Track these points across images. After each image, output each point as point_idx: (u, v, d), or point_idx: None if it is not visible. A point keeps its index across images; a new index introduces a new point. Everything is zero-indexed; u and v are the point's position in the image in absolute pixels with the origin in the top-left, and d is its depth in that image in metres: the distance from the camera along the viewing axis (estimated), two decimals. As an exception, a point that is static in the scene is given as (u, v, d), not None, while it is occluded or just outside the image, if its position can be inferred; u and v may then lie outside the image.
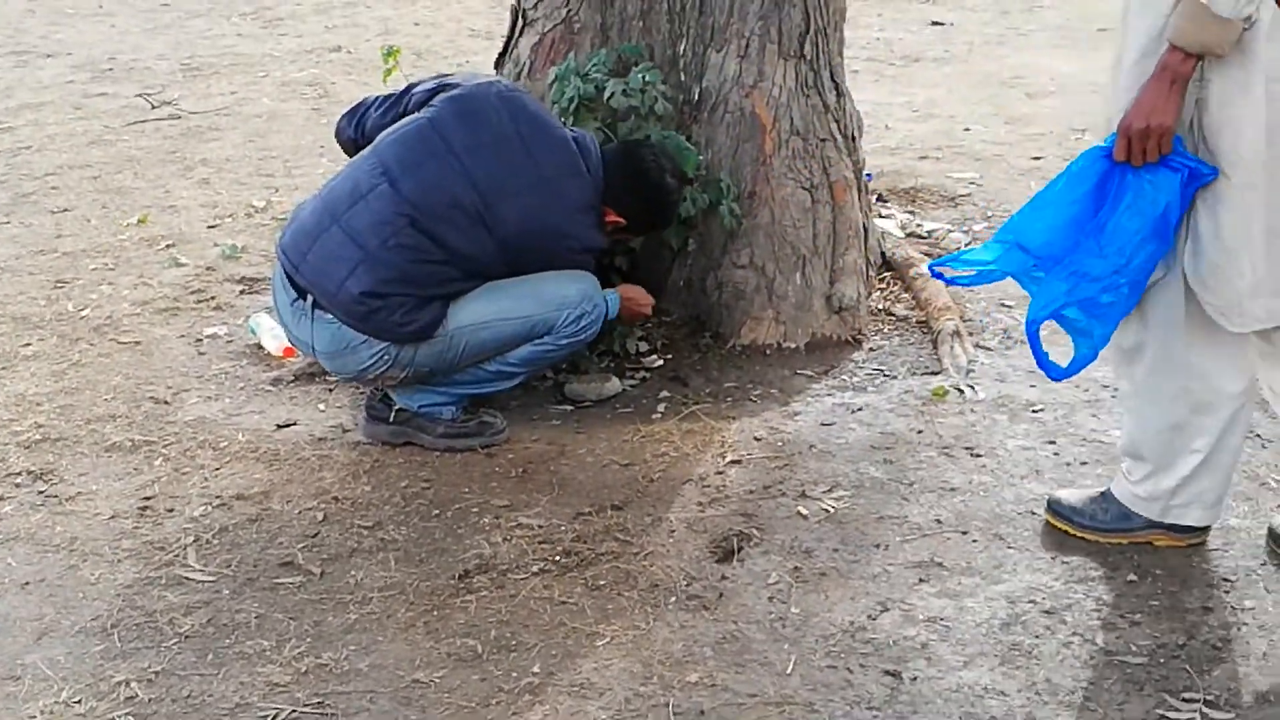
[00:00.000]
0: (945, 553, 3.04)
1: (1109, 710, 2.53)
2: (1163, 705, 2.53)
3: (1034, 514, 3.17)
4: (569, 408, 3.80)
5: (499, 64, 4.37)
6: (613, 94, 3.88)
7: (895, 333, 4.21)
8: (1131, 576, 2.93)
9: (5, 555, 3.10)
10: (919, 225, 5.03)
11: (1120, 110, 2.69)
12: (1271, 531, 3.01)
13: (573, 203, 3.51)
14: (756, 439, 3.57)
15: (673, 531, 3.14)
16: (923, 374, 3.93)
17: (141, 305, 4.54)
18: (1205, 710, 2.51)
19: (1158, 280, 2.77)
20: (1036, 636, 2.74)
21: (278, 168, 6.13)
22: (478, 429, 3.58)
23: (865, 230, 4.34)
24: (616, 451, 3.52)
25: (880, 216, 4.95)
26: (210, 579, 3.00)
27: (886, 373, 3.95)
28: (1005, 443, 3.52)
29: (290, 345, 3.88)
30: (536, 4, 4.18)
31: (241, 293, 4.65)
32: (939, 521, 3.16)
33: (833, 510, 3.22)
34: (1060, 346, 2.87)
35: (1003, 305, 4.37)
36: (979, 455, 3.45)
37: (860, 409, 3.72)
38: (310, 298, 3.43)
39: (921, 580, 2.94)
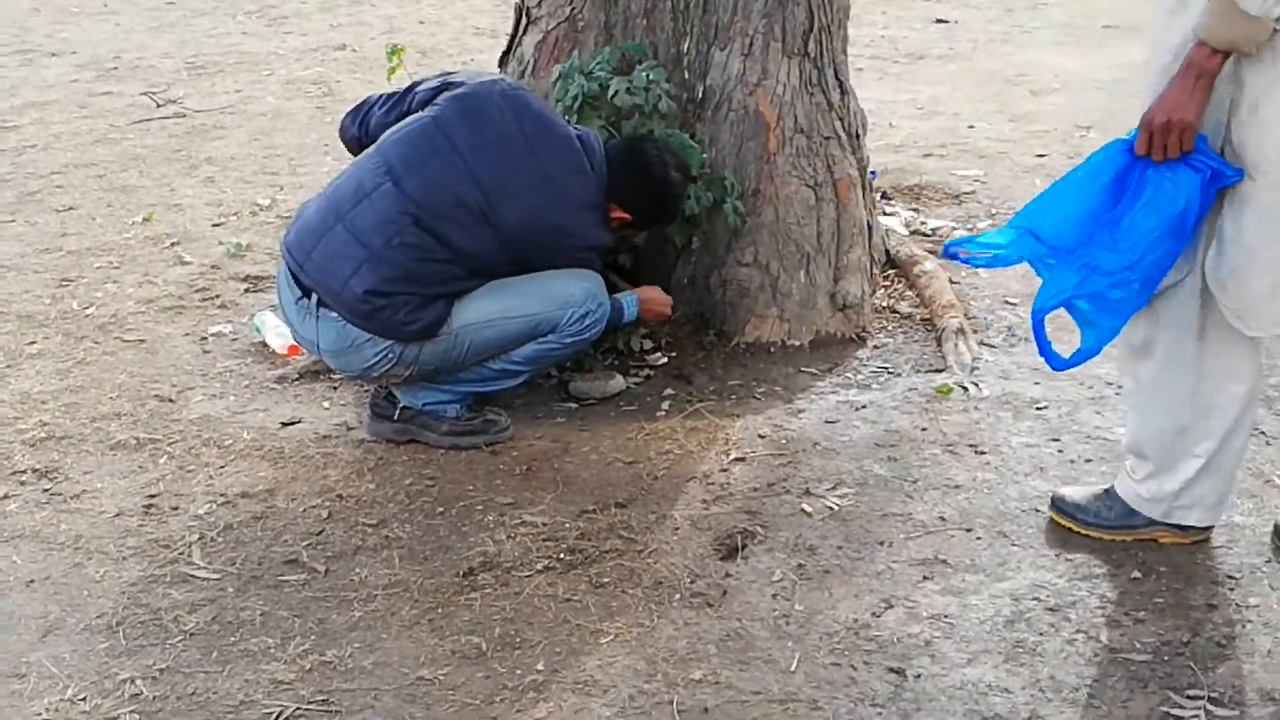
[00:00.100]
0: (949, 550, 3.04)
1: (1113, 707, 2.53)
2: (1167, 702, 2.53)
3: (1038, 511, 3.17)
4: (573, 405, 3.80)
5: (503, 62, 4.37)
6: (616, 92, 3.88)
7: (899, 330, 4.21)
8: (1136, 574, 2.93)
9: (10, 553, 3.11)
10: (923, 223, 5.03)
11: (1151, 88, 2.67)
12: (1276, 529, 3.01)
13: (577, 201, 3.51)
14: (761, 436, 3.57)
15: (677, 529, 3.14)
16: (927, 371, 3.92)
17: (146, 303, 4.54)
18: (1209, 707, 2.51)
19: (1177, 281, 2.76)
20: (1041, 634, 2.74)
21: (282, 166, 6.14)
22: (482, 427, 3.58)
23: (869, 228, 4.34)
24: (621, 449, 3.52)
25: (884, 214, 4.95)
26: (215, 577, 3.00)
27: (891, 370, 3.95)
28: (1009, 440, 3.51)
29: (295, 343, 3.88)
30: (540, 2, 4.18)
31: (246, 291, 4.65)
32: (943, 519, 3.16)
33: (837, 507, 3.22)
34: (1065, 342, 2.87)
35: (1007, 303, 4.37)
36: (983, 452, 3.45)
37: (864, 406, 3.72)
38: (315, 296, 3.43)
39: (925, 577, 2.94)
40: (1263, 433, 3.44)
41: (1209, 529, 3.01)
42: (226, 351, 4.18)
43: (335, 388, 3.90)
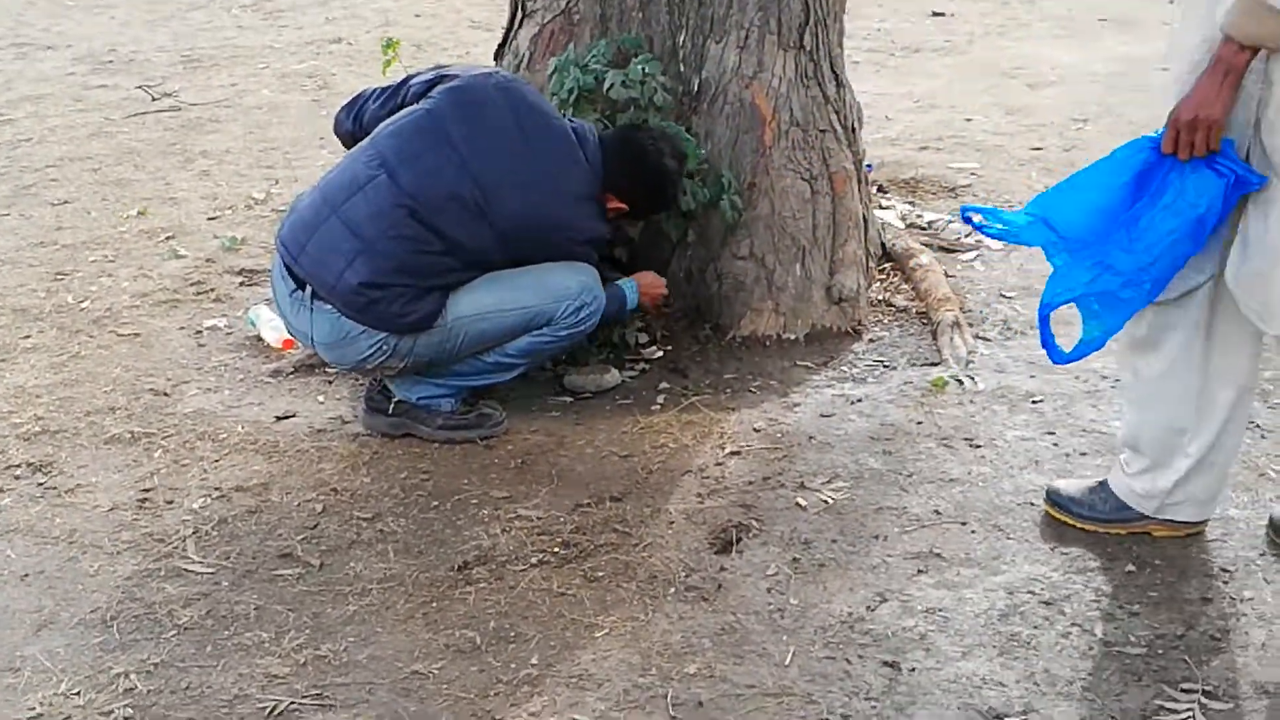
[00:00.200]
0: (944, 544, 3.04)
1: (1107, 701, 2.53)
2: (1161, 696, 2.53)
3: (1033, 505, 3.17)
4: (568, 399, 3.80)
5: (498, 55, 4.36)
6: (612, 85, 3.87)
7: (895, 324, 4.21)
8: (1130, 567, 2.93)
9: (5, 547, 3.10)
10: (919, 216, 5.02)
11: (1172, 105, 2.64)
12: (1271, 522, 3.01)
13: (573, 194, 3.50)
14: (756, 430, 3.57)
15: (671, 523, 3.14)
16: (922, 365, 3.92)
17: (141, 297, 4.54)
18: (1204, 701, 2.51)
19: (1198, 285, 2.73)
20: (1035, 627, 2.74)
21: (278, 159, 6.13)
22: (476, 421, 3.58)
23: (865, 221, 4.34)
24: (615, 443, 3.52)
25: (880, 207, 4.94)
26: (209, 571, 3.00)
27: (886, 364, 3.95)
28: (1004, 434, 3.51)
29: (290, 337, 3.88)
30: (536, -5, 4.18)
31: (241, 285, 4.65)
32: (938, 512, 3.16)
33: (832, 501, 3.22)
34: (1064, 335, 2.86)
35: (1003, 296, 4.36)
36: (978, 446, 3.45)
37: (860, 400, 3.72)
38: (309, 288, 3.43)
39: (920, 571, 2.94)
40: (1257, 425, 3.44)
41: (1203, 523, 3.02)
42: (221, 345, 4.17)
43: (330, 382, 3.89)
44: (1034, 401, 3.67)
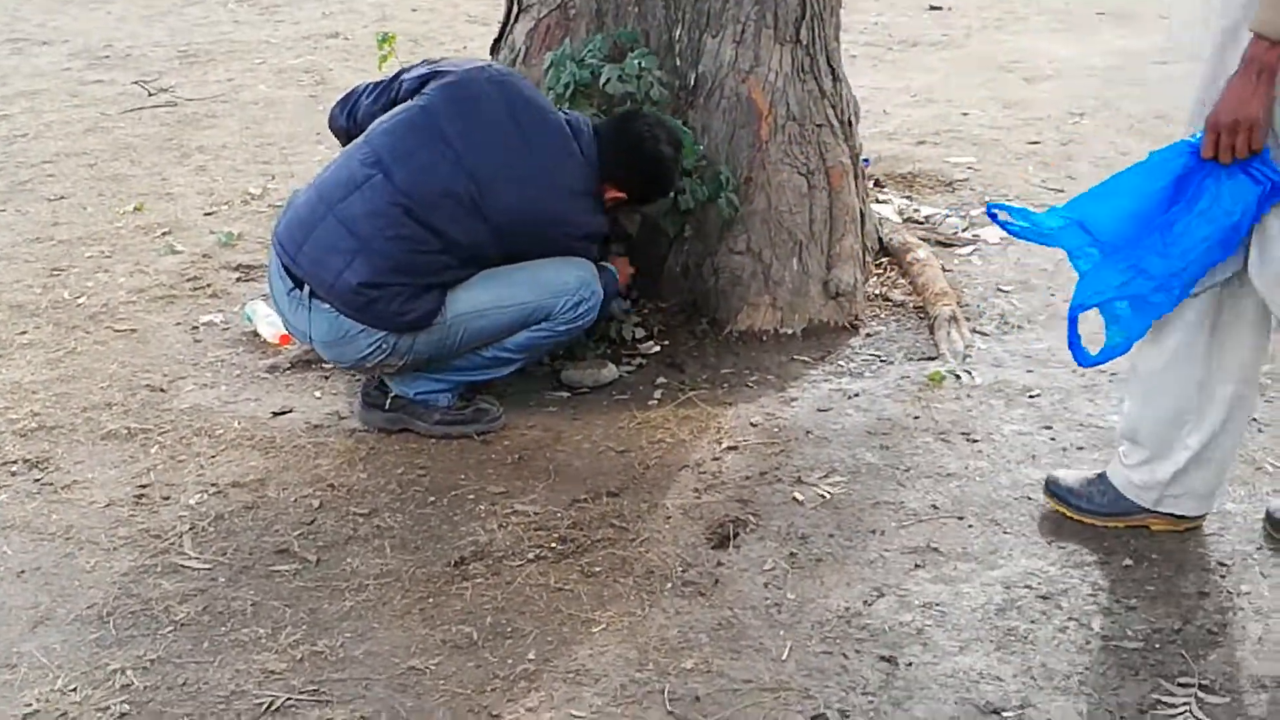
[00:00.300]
0: (941, 538, 3.04)
1: (1104, 695, 2.53)
2: (1158, 690, 2.53)
3: (1030, 499, 3.17)
4: (565, 394, 3.79)
5: (494, 50, 4.36)
6: (608, 80, 3.87)
7: (892, 318, 4.21)
8: (1127, 561, 2.93)
9: (1, 544, 3.10)
10: (916, 210, 5.02)
11: (1200, 102, 2.63)
12: (1268, 516, 3.01)
13: (569, 188, 3.49)
14: (753, 425, 3.57)
15: (669, 518, 3.14)
16: (919, 359, 3.92)
17: (137, 293, 4.53)
18: (1200, 695, 2.51)
19: (1218, 283, 2.72)
20: (1032, 621, 2.74)
21: (274, 155, 6.12)
22: (474, 416, 3.58)
23: (862, 215, 4.33)
24: (613, 438, 3.52)
25: (877, 201, 4.94)
26: (206, 567, 3.00)
27: (883, 358, 3.95)
28: (1001, 428, 3.51)
29: (286, 332, 3.87)
30: (531, -11, 4.17)
31: (238, 280, 4.64)
32: (935, 507, 3.16)
33: (829, 496, 3.22)
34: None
35: (1000, 291, 4.36)
36: (975, 440, 3.45)
37: (857, 394, 3.71)
38: (307, 287, 3.42)
39: (917, 566, 2.94)
40: (1254, 420, 3.43)
41: (1201, 518, 3.02)
42: (218, 341, 4.17)
43: (327, 377, 3.89)
44: (1031, 396, 3.67)
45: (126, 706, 2.55)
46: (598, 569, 2.94)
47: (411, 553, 3.03)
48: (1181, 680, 2.55)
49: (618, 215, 3.78)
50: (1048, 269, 4.45)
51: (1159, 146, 2.72)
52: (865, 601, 2.82)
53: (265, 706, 2.54)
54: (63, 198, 5.53)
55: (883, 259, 4.55)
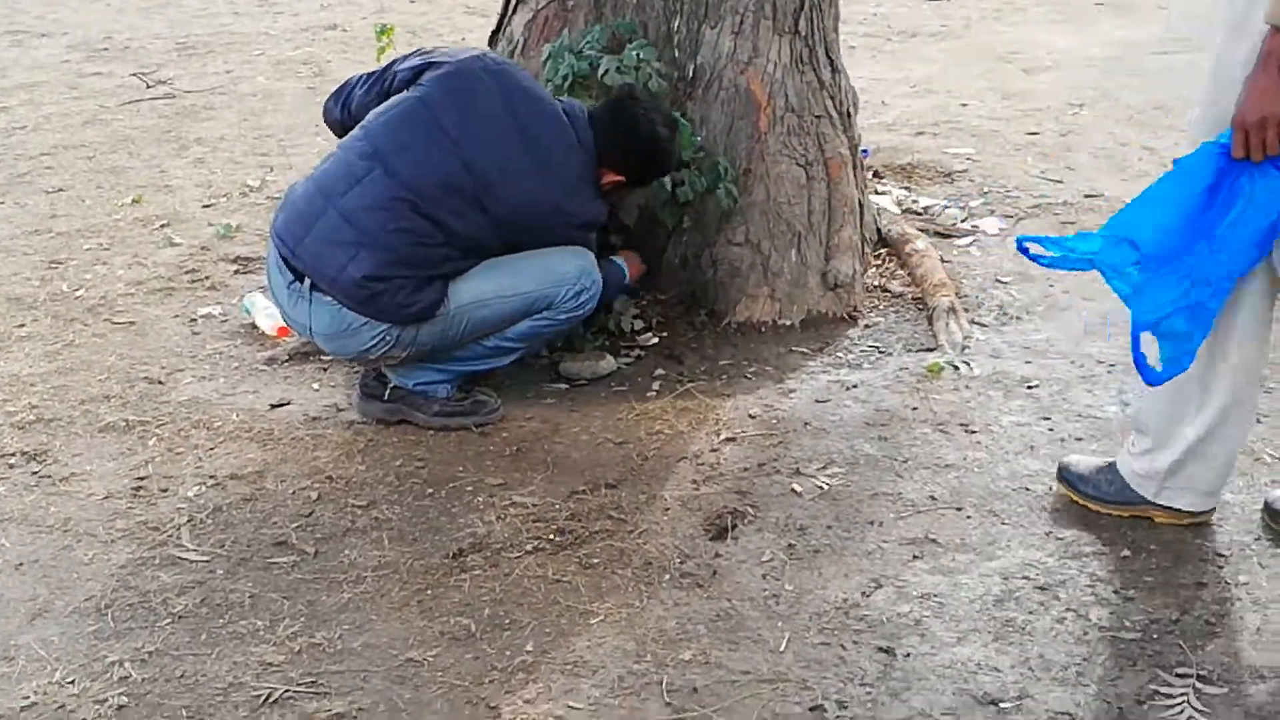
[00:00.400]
0: (939, 529, 3.03)
1: (1102, 686, 2.53)
2: (1156, 680, 2.53)
3: (1028, 490, 3.17)
4: (563, 386, 3.79)
5: (493, 41, 4.35)
6: (607, 71, 3.86)
7: (891, 309, 4.21)
8: (1125, 552, 2.93)
9: (-1, 536, 3.11)
10: (915, 201, 5.02)
11: (1213, 100, 2.61)
12: (1266, 506, 3.01)
13: (568, 178, 3.49)
14: (751, 416, 3.57)
15: (667, 509, 3.14)
16: (918, 350, 3.92)
17: (136, 285, 4.53)
18: (1198, 685, 2.51)
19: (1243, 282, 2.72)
20: (1030, 612, 2.74)
21: (272, 147, 6.12)
22: (472, 408, 3.58)
23: (861, 206, 4.33)
24: (611, 430, 3.52)
25: (876, 193, 4.93)
26: (204, 559, 3.00)
27: (882, 349, 3.95)
28: (1000, 419, 3.51)
29: (284, 325, 3.87)
30: (530, -20, 4.16)
31: (236, 272, 4.64)
32: (933, 498, 3.16)
33: (827, 487, 3.22)
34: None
35: (998, 281, 4.36)
36: (974, 431, 3.45)
37: (855, 386, 3.71)
38: (308, 280, 3.41)
39: (915, 557, 2.94)
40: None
41: (1205, 513, 3.00)
42: (216, 333, 4.16)
43: (325, 369, 3.89)
44: (1029, 387, 3.67)
45: (125, 699, 2.55)
46: (596, 560, 2.94)
47: (409, 544, 3.03)
48: (1179, 671, 2.55)
49: (615, 206, 3.77)
50: (1046, 260, 4.44)
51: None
52: (863, 593, 2.82)
53: (263, 698, 2.54)
54: (61, 190, 5.53)
55: (881, 250, 4.55)
